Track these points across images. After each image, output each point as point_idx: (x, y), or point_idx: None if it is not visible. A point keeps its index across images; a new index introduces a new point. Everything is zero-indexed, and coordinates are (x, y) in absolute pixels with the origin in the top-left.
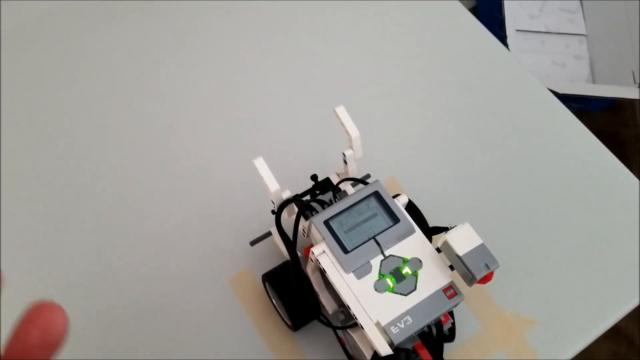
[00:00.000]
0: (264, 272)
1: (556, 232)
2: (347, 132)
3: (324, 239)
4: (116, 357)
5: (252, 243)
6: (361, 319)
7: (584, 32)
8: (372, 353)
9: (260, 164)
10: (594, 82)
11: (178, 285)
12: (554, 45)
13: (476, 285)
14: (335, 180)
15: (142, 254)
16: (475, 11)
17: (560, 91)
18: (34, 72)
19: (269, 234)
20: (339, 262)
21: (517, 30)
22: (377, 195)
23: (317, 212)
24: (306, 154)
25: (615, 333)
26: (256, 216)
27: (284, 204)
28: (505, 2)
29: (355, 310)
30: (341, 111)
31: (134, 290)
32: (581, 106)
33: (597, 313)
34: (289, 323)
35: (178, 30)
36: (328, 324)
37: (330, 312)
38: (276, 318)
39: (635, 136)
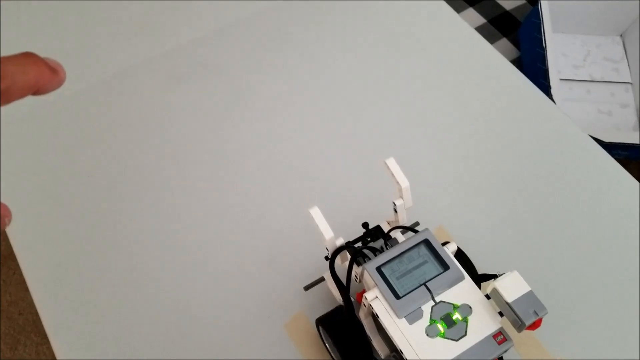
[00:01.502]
0: (317, 316)
1: (607, 280)
2: (398, 182)
3: (376, 284)
4: None
5: (306, 288)
6: None
7: (629, 80)
8: None
9: (316, 213)
10: None
11: (235, 329)
12: (600, 94)
13: (526, 332)
14: (385, 228)
15: (199, 299)
16: (518, 62)
17: (606, 139)
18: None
19: (322, 279)
20: (392, 307)
21: (562, 79)
22: (427, 243)
23: (369, 258)
24: (357, 203)
25: None
26: (309, 262)
27: (338, 250)
28: (548, 53)
29: (407, 354)
30: (391, 163)
31: (191, 334)
32: (629, 154)
33: None
34: None
35: (233, 88)
36: None
37: (382, 357)
38: None
39: None
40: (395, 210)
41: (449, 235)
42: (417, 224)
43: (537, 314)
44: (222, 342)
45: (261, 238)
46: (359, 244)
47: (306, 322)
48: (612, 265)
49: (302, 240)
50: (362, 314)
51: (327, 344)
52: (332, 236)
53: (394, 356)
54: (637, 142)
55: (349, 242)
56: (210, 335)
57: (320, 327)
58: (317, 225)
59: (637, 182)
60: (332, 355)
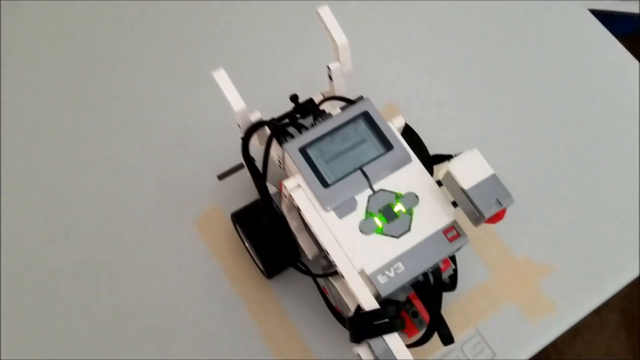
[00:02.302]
0: (233, 210)
1: (579, 169)
2: (333, 38)
3: (299, 170)
4: (73, 308)
5: (220, 177)
6: (342, 266)
7: None
8: (356, 305)
9: (221, 77)
10: None
11: (136, 227)
12: None
13: (484, 226)
14: (319, 100)
15: (94, 189)
16: None
17: (587, 7)
18: None
19: (240, 166)
20: (317, 198)
21: None
22: (366, 116)
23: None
24: (287, 72)
25: None
26: (226, 146)
27: (253, 127)
28: None
29: (334, 255)
30: (325, 12)
31: (86, 233)
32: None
33: (622, 262)
34: (263, 269)
35: None
36: (307, 271)
37: (310, 258)
38: (250, 263)
39: None
40: (330, 77)
41: (400, 114)
42: (360, 98)
43: (500, 204)
44: (119, 243)
45: (166, 116)
46: (286, 122)
47: (221, 217)
48: (590, 152)
49: (218, 119)
50: (285, 208)
51: (245, 243)
52: (243, 108)
53: (323, 257)
54: (616, 9)
55: (273, 119)
56: (106, 236)
57: (236, 224)
58: (223, 94)
59: (637, 62)
60: (252, 256)
